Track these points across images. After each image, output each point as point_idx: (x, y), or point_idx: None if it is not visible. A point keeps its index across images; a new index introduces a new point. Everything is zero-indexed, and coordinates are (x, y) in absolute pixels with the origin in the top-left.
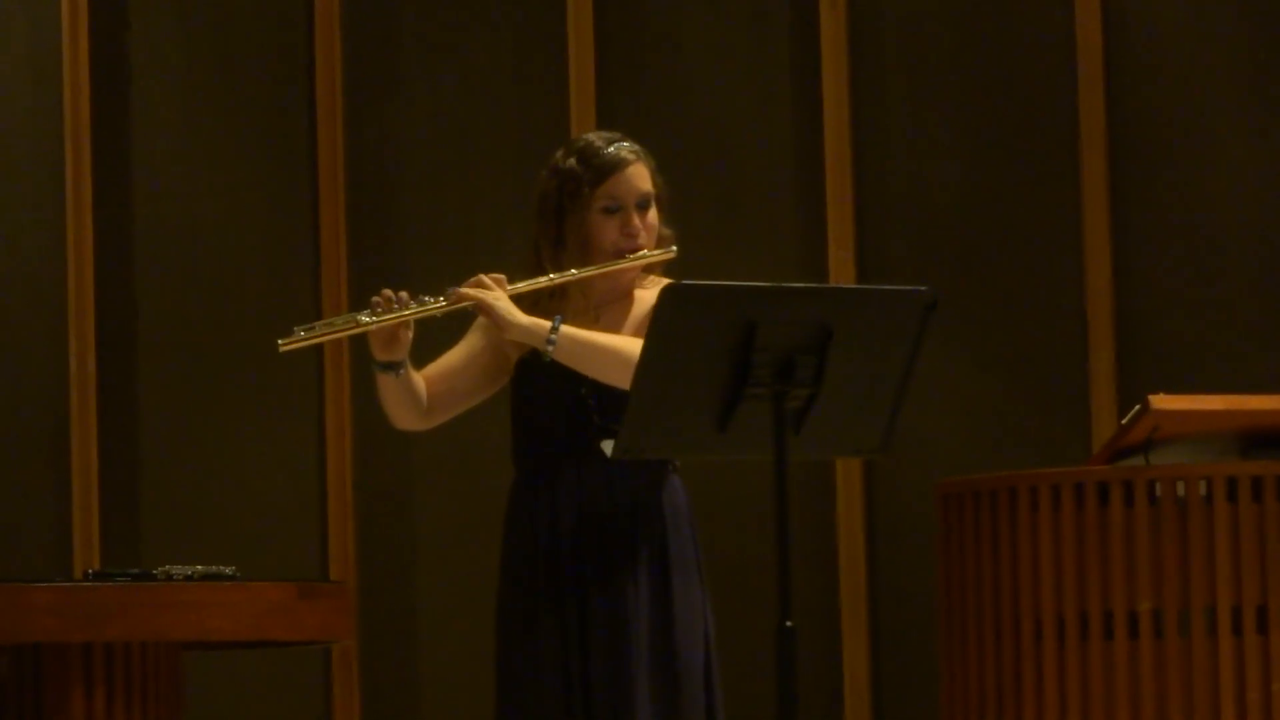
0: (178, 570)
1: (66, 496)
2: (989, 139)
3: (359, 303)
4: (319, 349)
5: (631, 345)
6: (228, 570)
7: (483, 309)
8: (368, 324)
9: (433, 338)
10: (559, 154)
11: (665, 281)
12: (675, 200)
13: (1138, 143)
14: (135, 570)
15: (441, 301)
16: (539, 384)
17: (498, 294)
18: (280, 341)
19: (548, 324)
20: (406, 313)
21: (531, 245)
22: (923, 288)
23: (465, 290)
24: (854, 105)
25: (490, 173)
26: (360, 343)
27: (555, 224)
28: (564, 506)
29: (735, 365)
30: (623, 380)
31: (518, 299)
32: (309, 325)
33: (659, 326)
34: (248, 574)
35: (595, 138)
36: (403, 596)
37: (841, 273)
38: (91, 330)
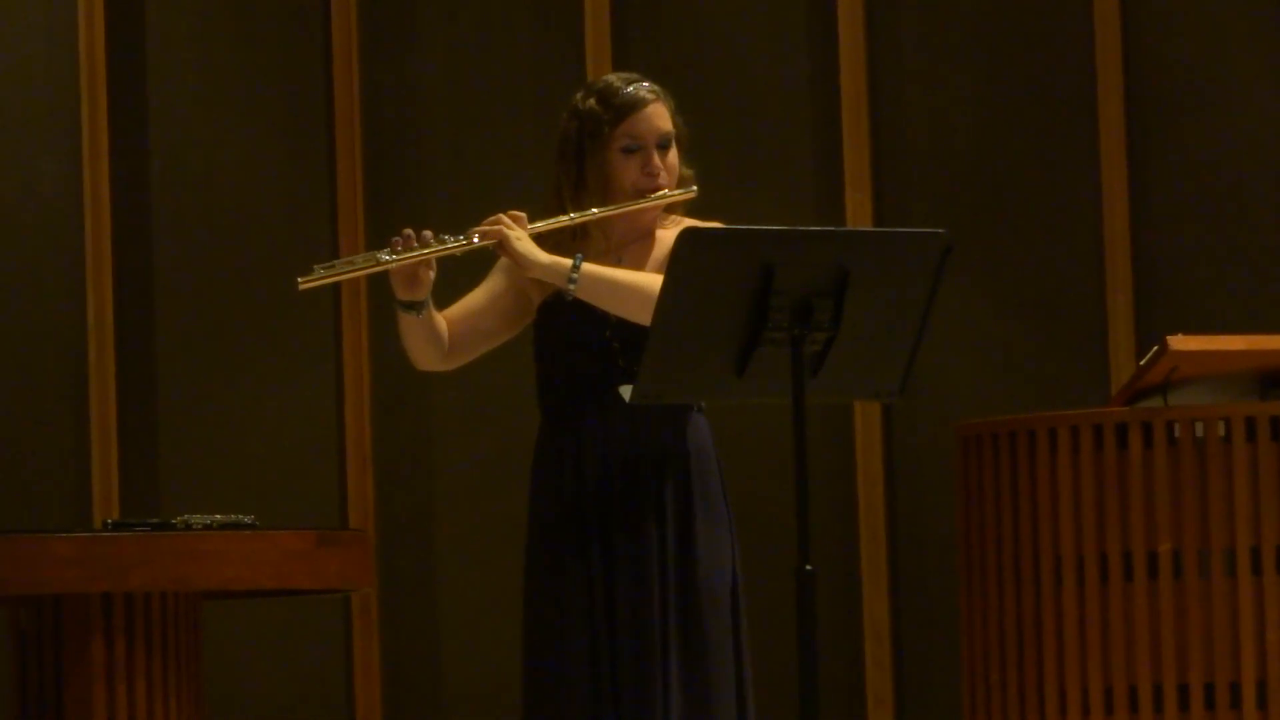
0: (197, 519)
1: (85, 447)
2: (1006, 80)
3: (376, 249)
4: (337, 296)
5: (655, 281)
6: (247, 519)
7: (503, 247)
8: (388, 262)
9: (454, 278)
10: (579, 95)
11: (687, 222)
12: (692, 143)
13: (1155, 84)
14: (155, 520)
15: (462, 240)
16: (563, 327)
17: (518, 233)
18: (299, 279)
19: (569, 262)
20: (426, 251)
21: (553, 188)
22: (939, 230)
23: (486, 228)
24: (870, 47)
25: (506, 117)
26: (379, 289)
27: (576, 165)
28: (588, 451)
29: (753, 309)
30: (647, 317)
31: (538, 241)
32: (328, 263)
33: (676, 271)
34: (267, 522)
35: (615, 78)
36: (422, 544)
37: (858, 216)
38: (109, 280)
